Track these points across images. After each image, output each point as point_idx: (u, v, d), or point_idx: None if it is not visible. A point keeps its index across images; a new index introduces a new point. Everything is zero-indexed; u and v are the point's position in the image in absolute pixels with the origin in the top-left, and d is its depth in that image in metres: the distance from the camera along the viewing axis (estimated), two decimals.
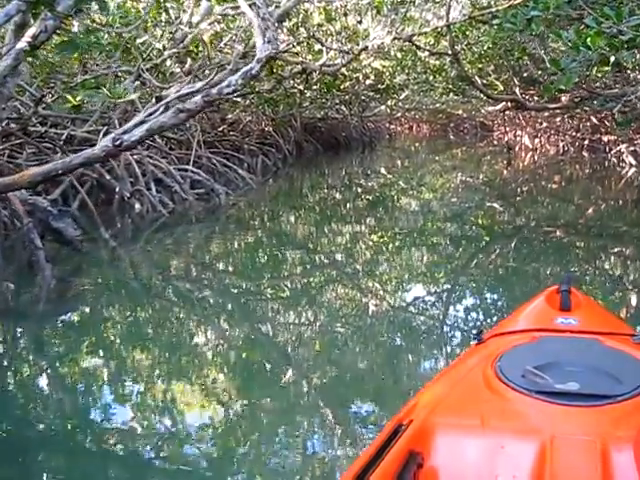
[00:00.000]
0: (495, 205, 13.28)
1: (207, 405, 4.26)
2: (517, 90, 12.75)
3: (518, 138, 25.56)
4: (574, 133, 21.76)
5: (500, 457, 2.05)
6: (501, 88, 13.02)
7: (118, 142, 5.45)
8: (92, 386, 4.56)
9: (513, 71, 12.52)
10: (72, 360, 5.07)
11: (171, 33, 10.05)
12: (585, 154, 20.86)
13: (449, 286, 7.38)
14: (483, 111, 24.35)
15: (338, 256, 8.81)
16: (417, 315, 6.22)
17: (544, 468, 1.95)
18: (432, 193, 15.44)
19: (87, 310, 6.47)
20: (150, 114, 6.07)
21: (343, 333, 5.69)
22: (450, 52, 10.50)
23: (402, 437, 2.17)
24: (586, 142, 20.91)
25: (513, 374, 2.34)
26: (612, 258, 8.69)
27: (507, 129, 26.14)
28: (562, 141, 22.44)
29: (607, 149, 18.90)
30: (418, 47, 10.91)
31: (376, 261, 8.41)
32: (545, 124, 22.47)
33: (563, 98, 12.35)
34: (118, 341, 5.66)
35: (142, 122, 5.77)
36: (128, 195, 10.03)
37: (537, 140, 24.36)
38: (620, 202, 13.16)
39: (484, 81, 12.58)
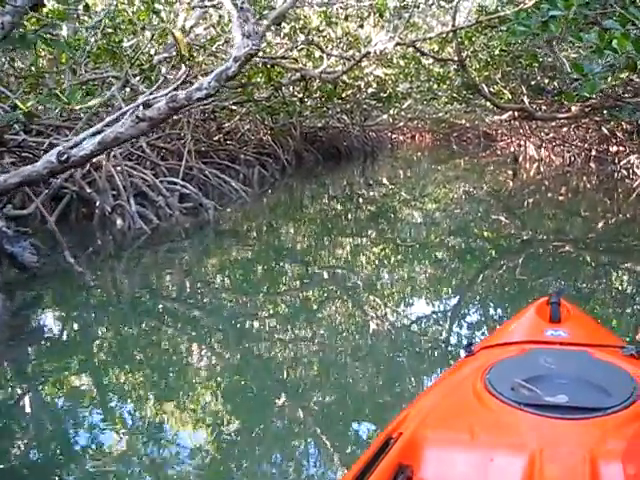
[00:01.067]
0: (500, 217, 12.84)
1: (197, 430, 4.05)
2: (525, 99, 12.17)
3: (522, 148, 25.01)
4: (580, 143, 21.24)
5: (489, 470, 2.04)
6: (509, 97, 12.46)
7: (64, 157, 4.73)
8: (58, 438, 4.02)
9: (521, 79, 11.97)
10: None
11: (162, 37, 9.55)
12: (592, 165, 20.28)
13: (453, 301, 7.16)
14: (487, 121, 23.92)
15: (337, 270, 8.47)
16: (418, 329, 6.09)
17: None
18: (435, 204, 15.16)
19: (44, 349, 5.55)
20: (107, 124, 5.27)
21: (337, 348, 5.51)
22: (456, 59, 9.95)
23: (392, 450, 2.16)
24: (593, 153, 20.33)
25: (502, 387, 2.33)
26: (615, 272, 8.35)
27: (512, 139, 25.61)
28: (568, 152, 21.88)
29: (615, 160, 18.29)
30: (422, 53, 10.37)
31: (376, 276, 8.08)
32: (551, 134, 21.93)
33: (573, 108, 11.81)
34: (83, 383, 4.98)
35: (97, 133, 5.04)
36: (109, 210, 9.34)
37: (542, 150, 23.82)
38: (628, 216, 12.68)
39: (491, 89, 12.03)
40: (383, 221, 12.38)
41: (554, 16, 5.37)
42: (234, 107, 13.67)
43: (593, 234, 10.73)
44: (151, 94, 5.52)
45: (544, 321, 3.02)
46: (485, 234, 10.90)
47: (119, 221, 9.37)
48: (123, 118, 5.04)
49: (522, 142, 25.66)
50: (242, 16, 4.37)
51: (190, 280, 7.94)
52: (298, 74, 11.81)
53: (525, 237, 10.58)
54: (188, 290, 7.54)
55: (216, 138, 15.30)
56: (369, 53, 10.38)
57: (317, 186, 18.41)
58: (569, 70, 6.27)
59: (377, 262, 8.89)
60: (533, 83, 12.68)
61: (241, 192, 12.83)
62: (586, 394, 2.28)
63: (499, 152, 30.42)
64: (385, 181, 20.39)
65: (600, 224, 11.64)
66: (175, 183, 10.96)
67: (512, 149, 25.08)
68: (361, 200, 15.85)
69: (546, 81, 12.89)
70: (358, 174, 22.88)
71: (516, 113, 13.39)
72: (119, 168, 9.53)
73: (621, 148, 18.20)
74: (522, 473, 1.98)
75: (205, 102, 12.12)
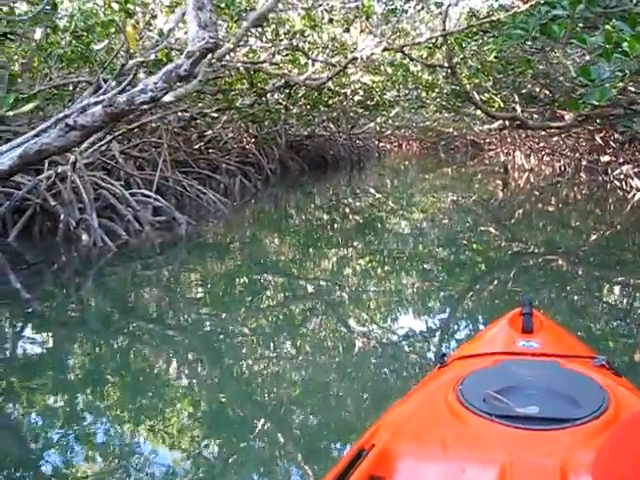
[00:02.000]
0: (489, 229, 12.47)
1: (173, 450, 3.90)
2: (517, 107, 11.71)
3: (511, 157, 24.64)
4: (570, 153, 20.89)
5: None
6: (500, 104, 12.00)
7: None
8: None
9: (513, 87, 11.53)
10: None
11: (138, 40, 9.06)
12: (583, 175, 19.89)
13: (435, 313, 7.00)
14: (476, 129, 23.60)
15: (321, 283, 8.17)
16: (398, 341, 5.99)
17: None
18: (422, 214, 14.84)
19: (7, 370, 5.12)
20: (36, 135, 4.60)
21: (317, 362, 5.36)
22: (446, 65, 9.48)
23: (363, 462, 2.14)
24: (584, 163, 19.93)
25: (474, 398, 2.33)
26: (596, 284, 8.16)
27: (502, 148, 25.27)
28: (558, 161, 21.50)
29: (608, 170, 17.85)
30: (411, 59, 9.91)
31: (360, 289, 7.84)
32: (542, 143, 21.57)
33: (567, 116, 11.39)
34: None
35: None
36: (74, 224, 8.65)
37: (532, 160, 23.45)
38: (619, 228, 12.35)
39: (482, 97, 11.58)
40: (369, 232, 12.03)
41: (556, 17, 4.97)
42: (215, 114, 13.12)
43: (584, 247, 10.36)
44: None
45: (516, 332, 3.03)
46: (474, 246, 10.60)
47: (84, 236, 8.65)
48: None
49: (511, 151, 25.39)
50: (197, 2, 3.77)
51: (163, 297, 7.46)
52: (282, 80, 11.31)
53: (515, 249, 10.31)
54: (161, 308, 7.08)
55: (197, 146, 14.66)
56: (356, 58, 9.92)
57: (302, 195, 18.13)
58: (574, 75, 5.84)
59: (362, 275, 8.61)
60: (524, 91, 12.24)
61: (219, 204, 12.17)
62: (557, 405, 2.29)
63: (487, 161, 30.29)
64: (372, 190, 20.13)
65: (591, 237, 11.30)
66: (148, 196, 10.25)
67: (502, 158, 24.67)
68: (347, 210, 15.58)
69: (537, 89, 12.47)
70: (345, 183, 22.63)
71: (507, 122, 12.96)
72: (86, 179, 8.85)
73: (613, 158, 17.82)
74: None
75: (181, 108, 11.67)
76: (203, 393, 4.80)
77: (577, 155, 20.27)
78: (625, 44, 4.27)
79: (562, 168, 21.35)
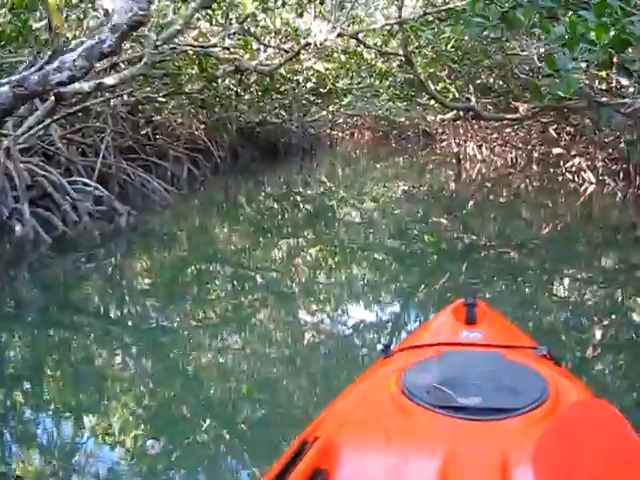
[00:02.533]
0: (442, 220, 12.34)
1: (115, 448, 3.72)
2: (472, 98, 11.51)
3: (463, 148, 24.59)
4: (522, 145, 20.91)
5: (403, 473, 2.07)
6: (455, 94, 11.80)
7: None
8: None
9: (468, 77, 11.33)
10: None
11: (80, 20, 8.58)
12: (535, 167, 19.91)
13: (383, 305, 6.82)
14: (429, 119, 23.52)
15: (271, 274, 8.04)
16: (344, 332, 5.96)
17: None
18: (374, 203, 14.91)
19: None
20: None
21: (264, 355, 5.26)
22: (402, 53, 9.22)
23: (307, 454, 2.14)
24: (535, 155, 19.94)
25: (417, 389, 2.35)
26: (547, 276, 8.00)
27: (456, 139, 25.22)
28: (511, 153, 21.51)
29: (560, 162, 17.84)
30: (366, 46, 9.62)
31: (310, 280, 7.71)
32: (495, 135, 21.56)
33: (521, 108, 11.27)
34: None
35: None
36: (7, 214, 8.09)
37: (485, 151, 23.43)
38: (569, 219, 12.33)
39: (436, 87, 11.36)
40: (320, 221, 11.97)
41: (518, 4, 4.76)
42: (163, 99, 12.62)
43: (535, 239, 10.29)
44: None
45: (460, 323, 3.04)
46: (425, 237, 10.57)
47: (18, 227, 8.09)
48: None
49: (462, 142, 25.44)
50: None
51: (102, 290, 7.19)
52: (233, 66, 10.91)
53: (466, 241, 10.23)
54: (101, 301, 6.82)
55: (144, 132, 14.09)
56: (309, 44, 9.61)
57: (253, 184, 18.07)
58: (538, 65, 5.64)
59: (311, 265, 8.48)
60: (478, 82, 12.07)
61: (165, 193, 11.68)
62: (499, 395, 2.30)
63: (439, 151, 30.40)
64: (324, 178, 20.32)
65: (543, 229, 11.25)
66: (87, 184, 9.66)
67: (455, 149, 24.65)
68: (299, 198, 15.52)
69: (491, 80, 12.34)
70: (296, 171, 22.72)
71: (461, 112, 12.80)
72: (21, 165, 8.28)
73: (564, 151, 17.86)
74: (436, 475, 1.99)
75: (126, 92, 11.17)
76: (146, 387, 4.64)
77: (529, 147, 20.28)
78: (592, 33, 4.09)
79: (514, 160, 21.38)
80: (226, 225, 11.66)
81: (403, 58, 9.33)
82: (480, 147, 23.46)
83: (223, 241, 10.31)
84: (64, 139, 10.76)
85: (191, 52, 9.57)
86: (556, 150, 18.08)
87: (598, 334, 5.85)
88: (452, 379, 2.38)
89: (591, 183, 15.57)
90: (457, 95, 11.57)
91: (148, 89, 11.61)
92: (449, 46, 9.50)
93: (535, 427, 2.09)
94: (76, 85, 6.61)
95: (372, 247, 9.63)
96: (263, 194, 16.49)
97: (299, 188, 17.58)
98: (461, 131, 24.75)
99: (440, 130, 31.59)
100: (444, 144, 30.85)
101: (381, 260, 8.84)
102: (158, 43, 7.92)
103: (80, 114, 11.39)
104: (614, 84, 8.20)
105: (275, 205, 14.44)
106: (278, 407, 4.26)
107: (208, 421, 4.07)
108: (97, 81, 7.30)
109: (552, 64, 4.29)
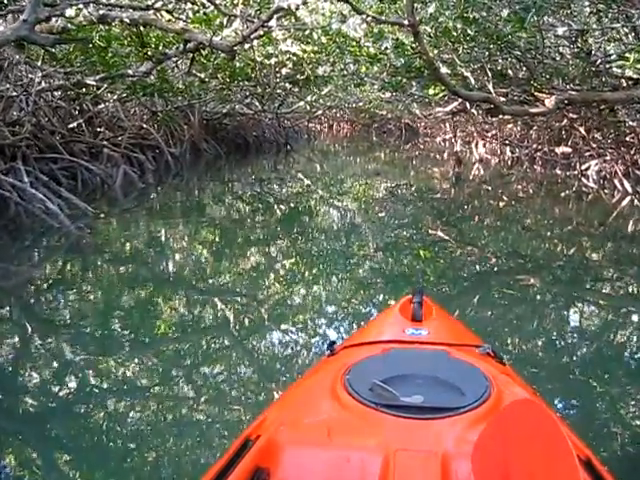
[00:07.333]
0: (438, 232, 10.20)
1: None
2: (490, 86, 8.84)
3: (459, 145, 22.23)
4: (521, 143, 18.70)
5: (345, 471, 2.05)
6: (472, 82, 9.23)
7: None
8: None
9: (484, 61, 8.84)
10: None
11: None
12: (537, 168, 17.65)
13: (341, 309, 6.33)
14: (416, 112, 21.34)
15: (235, 297, 6.82)
16: (296, 332, 5.76)
17: None
18: (355, 203, 13.62)
19: None
20: None
21: (207, 349, 5.29)
22: (407, 22, 6.74)
23: (248, 453, 2.12)
24: (538, 154, 17.58)
25: (360, 387, 2.32)
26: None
27: (455, 135, 22.98)
28: (512, 152, 19.19)
29: (571, 164, 15.45)
30: (358, 12, 7.16)
31: (280, 296, 6.86)
32: (494, 131, 19.30)
33: (547, 101, 8.95)
34: None
35: None
36: None
37: (482, 148, 21.08)
38: (570, 228, 10.58)
39: (448, 71, 8.87)
40: (295, 226, 10.71)
41: None
42: (100, 83, 10.00)
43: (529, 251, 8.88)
44: None
45: (407, 320, 3.02)
46: (419, 254, 8.75)
47: None
48: None
49: (448, 137, 23.36)
50: None
51: None
52: (183, 41, 8.42)
53: (470, 258, 8.56)
54: None
55: (74, 124, 11.21)
56: (282, 9, 7.18)
57: (220, 184, 16.30)
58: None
59: (283, 282, 7.39)
60: (494, 68, 9.62)
61: (64, 220, 8.41)
62: (441, 394, 2.29)
63: (422, 146, 29.02)
64: (300, 175, 18.72)
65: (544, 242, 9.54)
66: None
67: (456, 148, 22.34)
68: (272, 199, 14.12)
69: (511, 65, 9.99)
70: (270, 169, 20.87)
71: (467, 105, 10.43)
72: None
73: (568, 150, 15.62)
74: (377, 473, 1.98)
75: (42, 74, 8.58)
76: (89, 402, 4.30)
77: (531, 145, 18.03)
78: None
79: (515, 159, 19.22)
80: (181, 235, 9.67)
81: (409, 29, 6.81)
82: (477, 145, 21.14)
83: (177, 255, 8.51)
84: None
85: (115, 17, 6.99)
86: (561, 149, 15.83)
87: (541, 332, 5.79)
88: (396, 377, 2.37)
89: (627, 193, 12.78)
90: (474, 83, 9.06)
91: (71, 69, 8.94)
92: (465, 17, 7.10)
93: (476, 425, 2.08)
94: None
95: (350, 263, 8.21)
96: (230, 196, 14.55)
97: (273, 186, 15.96)
98: (448, 127, 22.65)
99: (424, 124, 30.00)
100: (428, 139, 29.83)
101: (357, 279, 7.46)
102: None
103: None
104: None
105: (245, 207, 12.88)
106: (222, 406, 4.22)
107: (152, 421, 4.00)
108: None
109: None
